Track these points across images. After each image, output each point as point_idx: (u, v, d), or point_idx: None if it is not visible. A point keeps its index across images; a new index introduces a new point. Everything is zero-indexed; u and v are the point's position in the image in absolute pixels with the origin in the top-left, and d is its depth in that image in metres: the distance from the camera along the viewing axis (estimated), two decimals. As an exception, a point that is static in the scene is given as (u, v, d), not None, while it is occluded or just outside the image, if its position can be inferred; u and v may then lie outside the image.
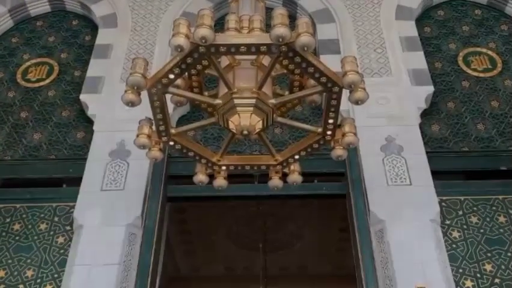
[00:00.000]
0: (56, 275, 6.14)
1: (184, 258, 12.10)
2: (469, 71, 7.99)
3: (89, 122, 7.38)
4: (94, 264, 5.85)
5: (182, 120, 7.44)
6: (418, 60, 7.78)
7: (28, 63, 8.48)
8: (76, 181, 6.67)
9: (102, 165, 6.68)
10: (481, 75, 7.92)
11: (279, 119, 4.58)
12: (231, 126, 4.27)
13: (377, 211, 6.14)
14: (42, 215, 6.62)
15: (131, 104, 4.11)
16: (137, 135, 4.65)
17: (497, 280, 5.96)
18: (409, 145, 6.73)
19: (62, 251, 6.29)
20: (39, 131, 7.54)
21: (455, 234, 6.26)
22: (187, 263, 12.27)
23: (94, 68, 7.92)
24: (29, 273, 6.17)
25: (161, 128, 4.60)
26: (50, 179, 7.03)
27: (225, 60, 4.52)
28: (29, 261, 6.25)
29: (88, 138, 7.28)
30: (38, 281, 6.14)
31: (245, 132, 4.22)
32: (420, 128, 7.04)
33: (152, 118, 4.58)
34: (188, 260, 12.20)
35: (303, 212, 10.46)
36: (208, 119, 4.82)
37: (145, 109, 4.57)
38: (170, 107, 4.70)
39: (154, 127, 4.66)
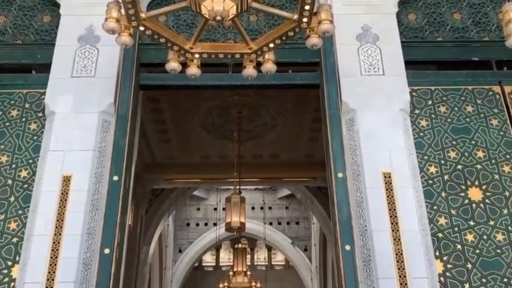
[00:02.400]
0: (30, 161, 6.21)
1: (160, 146, 12.28)
2: (450, -42, 7.74)
3: (56, 5, 7.05)
4: (68, 149, 5.91)
5: (153, 5, 7.16)
6: None
7: None
8: (45, 67, 6.53)
9: (71, 51, 6.50)
10: (463, -38, 7.69)
11: (254, 4, 4.43)
12: (204, 11, 4.13)
13: (349, 100, 6.24)
14: (12, 102, 6.53)
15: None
16: (106, 19, 4.47)
17: (459, 166, 6.26)
18: (385, 34, 6.68)
19: (35, 137, 6.30)
20: (2, 14, 7.20)
21: (423, 123, 6.45)
22: (162, 151, 12.48)
23: None
24: (3, 158, 6.22)
25: (131, 12, 4.42)
26: (18, 64, 6.85)
27: None
28: (2, 147, 6.27)
29: (54, 22, 7.01)
30: (13, 166, 6.21)
31: (218, 17, 4.09)
32: (397, 16, 6.95)
33: (120, 1, 4.39)
34: (164, 148, 12.40)
35: (277, 102, 10.55)
36: (179, 2, 4.64)
37: (113, -9, 4.37)
38: (139, -11, 4.49)
39: (123, 11, 4.48)
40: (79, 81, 6.29)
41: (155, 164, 12.76)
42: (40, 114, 6.41)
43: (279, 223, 21.15)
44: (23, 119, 6.42)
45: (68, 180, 5.98)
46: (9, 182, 6.17)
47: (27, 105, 6.50)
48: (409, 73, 6.48)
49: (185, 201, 19.26)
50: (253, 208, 20.55)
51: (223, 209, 14.82)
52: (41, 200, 5.94)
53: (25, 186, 6.19)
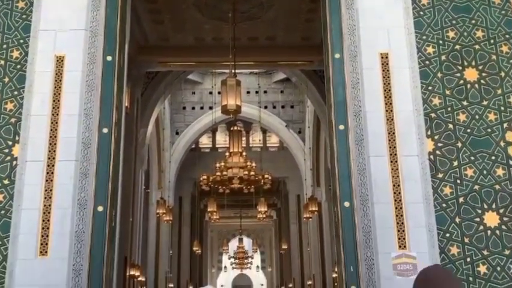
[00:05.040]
0: (21, 41, 6.07)
1: (152, 27, 11.98)
2: None
3: None
4: (59, 29, 5.77)
5: None
6: None
7: None
8: None
9: None
10: None
11: None
12: None
13: (349, -24, 5.99)
14: (-3, -22, 6.24)
15: None
16: None
17: (457, 47, 6.18)
18: None
19: (24, 16, 6.11)
20: None
21: (424, 1, 6.25)
22: (155, 32, 12.19)
23: None
24: (-6, 39, 6.08)
25: None
26: None
27: None
28: (-9, 27, 6.10)
29: None
30: (4, 46, 6.09)
31: None
32: None
33: None
34: (157, 30, 12.10)
35: (274, -21, 10.13)
36: None
37: None
38: None
39: None
40: (65, -44, 5.95)
41: (148, 46, 12.53)
42: (27, -9, 6.15)
43: (274, 107, 21.33)
44: (10, -3, 6.17)
45: (62, 60, 5.91)
46: (2, 62, 6.09)
47: (12, -18, 6.21)
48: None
49: (180, 85, 19.22)
50: (248, 92, 20.58)
51: (219, 93, 14.86)
52: (35, 80, 5.92)
53: (18, 67, 6.12)
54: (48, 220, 5.57)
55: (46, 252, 5.50)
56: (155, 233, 17.36)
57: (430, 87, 6.08)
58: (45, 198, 5.62)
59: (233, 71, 11.51)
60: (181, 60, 13.29)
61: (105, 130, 5.83)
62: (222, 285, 36.94)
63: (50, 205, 5.61)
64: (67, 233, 5.56)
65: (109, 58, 5.89)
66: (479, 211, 5.87)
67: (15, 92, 6.08)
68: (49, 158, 5.70)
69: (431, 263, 5.55)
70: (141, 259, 14.01)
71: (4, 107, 6.06)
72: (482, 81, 6.10)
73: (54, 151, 5.73)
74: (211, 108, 19.92)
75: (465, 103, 6.05)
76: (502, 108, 6.03)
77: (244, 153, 14.14)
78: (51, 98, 5.83)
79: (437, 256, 5.64)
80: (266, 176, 14.57)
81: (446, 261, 5.72)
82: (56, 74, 5.85)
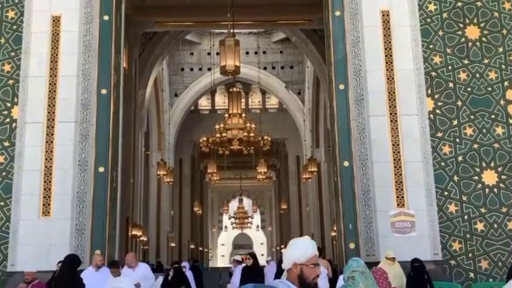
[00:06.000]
0: (16, 0, 5.97)
1: (149, -14, 11.74)
2: None
3: None
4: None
5: None
6: None
7: None
8: None
9: None
10: None
11: None
12: None
13: None
14: None
15: None
16: None
17: (459, 4, 6.10)
18: None
19: (18, -25, 5.98)
20: None
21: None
22: (152, -9, 11.97)
23: None
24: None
25: None
26: None
27: None
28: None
29: None
30: (-1, 6, 5.99)
31: None
32: None
33: None
34: (153, -11, 11.87)
35: None
36: None
37: None
38: None
39: None
40: None
41: (145, 5, 12.31)
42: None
43: (273, 67, 21.11)
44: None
45: (58, 20, 5.83)
46: (-3, 23, 6.00)
47: None
48: None
49: (178, 46, 18.97)
50: (247, 53, 20.33)
51: (217, 53, 14.68)
52: (32, 41, 5.85)
53: (14, 27, 6.04)
54: (50, 181, 5.61)
55: (49, 212, 5.56)
56: (156, 194, 17.50)
57: (431, 46, 6.02)
58: (46, 159, 5.64)
59: (231, 30, 11.35)
60: (178, 20, 13.07)
61: (104, 91, 5.80)
62: (222, 244, 37.61)
63: (51, 166, 5.64)
64: (68, 194, 5.60)
65: (106, 18, 5.80)
66: (478, 169, 5.91)
67: (12, 54, 6.01)
68: (48, 120, 5.70)
69: (429, 220, 5.63)
70: (143, 220, 14.18)
71: (1, 69, 6.01)
72: (483, 39, 6.03)
73: (54, 113, 5.72)
74: (209, 69, 19.73)
75: (466, 61, 6.00)
76: (503, 66, 5.99)
77: (243, 115, 14.10)
78: (48, 59, 5.78)
79: (435, 214, 5.71)
80: (266, 137, 14.59)
81: (443, 219, 5.79)
82: (53, 34, 5.78)
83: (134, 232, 12.40)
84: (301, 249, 2.05)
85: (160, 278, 7.00)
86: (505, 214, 5.81)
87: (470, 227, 5.81)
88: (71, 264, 4.50)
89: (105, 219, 5.67)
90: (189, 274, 7.28)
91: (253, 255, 5.52)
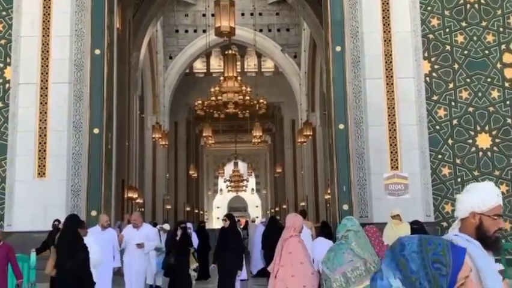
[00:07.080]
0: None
1: None
2: None
3: None
4: None
5: None
6: None
7: None
8: None
9: None
10: None
11: None
12: None
13: None
14: None
15: None
16: None
17: (458, -36, 6.00)
18: None
19: None
20: None
21: None
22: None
23: None
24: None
25: None
26: None
27: None
28: None
29: None
30: (-11, -37, 5.84)
31: None
32: None
33: None
34: None
35: None
36: None
37: None
38: None
39: None
40: None
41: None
42: None
43: (269, 30, 20.84)
44: None
45: (49, -22, 5.69)
46: (-13, -20, 5.86)
47: None
48: None
49: (172, 7, 18.65)
50: (243, 14, 20.01)
51: (212, 15, 14.46)
52: (23, 0, 5.74)
53: (4, -15, 5.91)
54: (45, 142, 5.60)
55: (44, 173, 5.57)
56: (151, 157, 17.53)
57: (429, 8, 5.94)
58: (40, 120, 5.62)
59: (227, -10, 11.16)
60: (172, -20, 12.82)
61: (97, 51, 5.73)
62: (218, 207, 37.98)
63: (45, 127, 5.62)
64: (63, 155, 5.61)
65: (98, -24, 5.67)
66: (472, 133, 5.93)
67: (4, 13, 5.90)
68: (42, 81, 5.64)
69: (423, 183, 5.68)
70: (138, 182, 14.26)
71: (-7, 28, 5.91)
72: (482, 0, 5.96)
73: (47, 73, 5.66)
74: (204, 31, 19.45)
75: (464, 24, 5.94)
76: (501, 29, 5.93)
77: (239, 78, 14.02)
78: (41, 19, 5.68)
79: (429, 176, 5.76)
80: (261, 100, 14.53)
81: (436, 182, 5.85)
82: (45, -8, 5.66)
83: (130, 194, 12.49)
84: (483, 195, 1.66)
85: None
86: (498, 177, 5.86)
87: (462, 189, 5.87)
88: (73, 225, 4.47)
89: (101, 180, 5.69)
90: (194, 236, 7.20)
91: (229, 216, 5.55)
